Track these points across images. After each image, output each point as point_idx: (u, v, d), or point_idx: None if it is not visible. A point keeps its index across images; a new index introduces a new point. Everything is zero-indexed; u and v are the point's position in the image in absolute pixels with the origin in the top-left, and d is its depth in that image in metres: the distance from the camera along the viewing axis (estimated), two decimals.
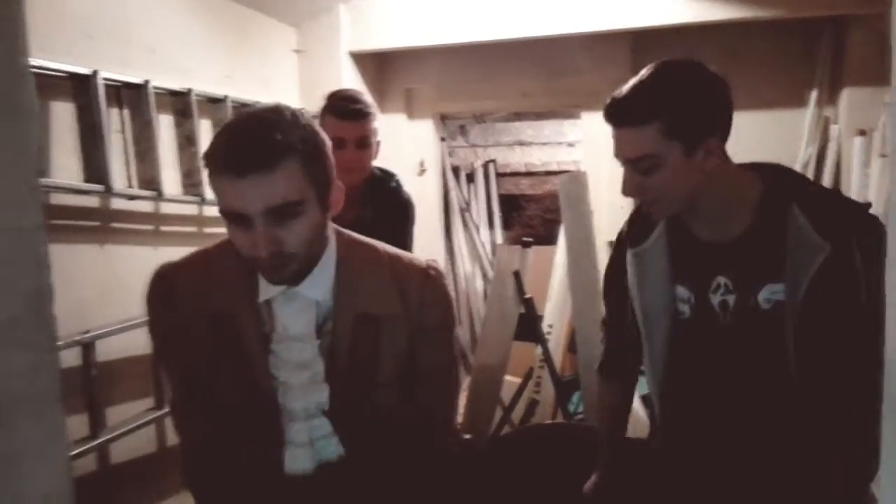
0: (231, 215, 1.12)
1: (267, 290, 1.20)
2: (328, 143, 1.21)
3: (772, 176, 1.33)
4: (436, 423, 1.36)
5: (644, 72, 1.28)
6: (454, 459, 1.40)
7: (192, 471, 1.34)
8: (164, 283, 1.26)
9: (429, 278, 1.30)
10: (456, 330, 1.44)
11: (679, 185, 1.26)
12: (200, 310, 1.23)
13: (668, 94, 1.24)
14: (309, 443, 1.24)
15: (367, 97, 2.20)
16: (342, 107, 2.09)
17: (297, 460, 1.24)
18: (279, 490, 1.25)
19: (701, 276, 1.34)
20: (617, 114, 1.27)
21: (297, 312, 1.22)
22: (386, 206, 2.23)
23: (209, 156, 1.12)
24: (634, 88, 1.26)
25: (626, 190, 1.31)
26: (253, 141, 1.09)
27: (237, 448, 1.26)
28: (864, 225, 1.23)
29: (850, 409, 1.23)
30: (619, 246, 1.51)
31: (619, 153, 1.30)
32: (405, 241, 2.34)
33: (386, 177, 2.29)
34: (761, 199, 1.29)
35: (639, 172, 1.27)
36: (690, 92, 1.25)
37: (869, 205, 1.45)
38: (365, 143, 2.11)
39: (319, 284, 1.22)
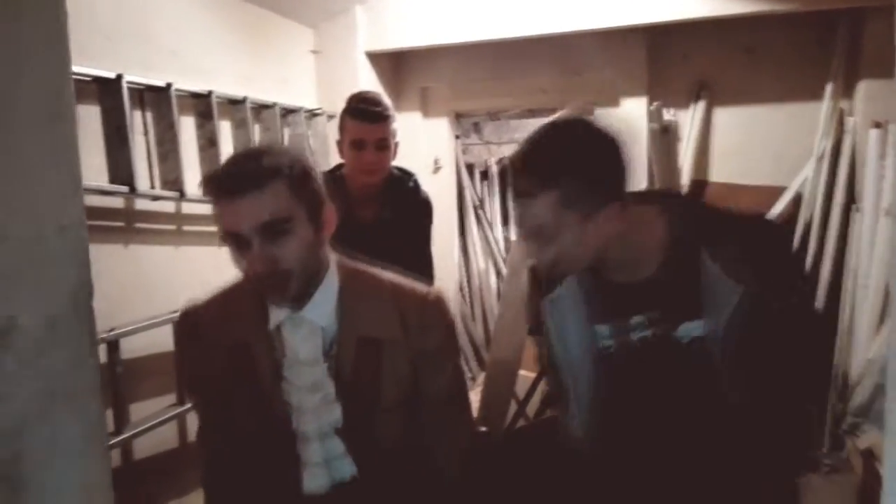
0: (230, 238, 1.21)
1: (276, 317, 1.29)
2: (318, 170, 1.29)
3: (674, 214, 1.29)
4: (445, 452, 1.41)
5: (536, 136, 1.23)
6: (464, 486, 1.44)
7: (213, 494, 1.45)
8: (189, 319, 1.39)
9: (429, 303, 1.36)
10: (461, 358, 1.48)
11: (578, 250, 1.23)
12: (219, 341, 1.33)
13: (563, 163, 1.19)
14: (325, 462, 1.32)
15: (386, 99, 2.24)
16: (362, 109, 2.13)
17: (315, 479, 1.32)
18: None
19: (619, 316, 1.33)
20: (515, 186, 1.24)
21: (305, 337, 1.29)
22: (405, 206, 2.26)
23: (207, 185, 1.22)
24: (527, 158, 1.22)
25: (528, 255, 1.31)
26: (243, 166, 1.21)
27: (256, 471, 1.35)
28: (771, 256, 1.24)
29: (780, 433, 1.27)
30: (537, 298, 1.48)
31: (516, 223, 1.30)
32: (425, 240, 2.37)
33: (405, 176, 2.33)
34: (668, 242, 1.27)
35: (535, 242, 1.25)
36: (586, 160, 1.19)
37: (762, 218, 1.41)
38: (384, 145, 2.15)
39: (323, 309, 1.29)
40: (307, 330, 1.29)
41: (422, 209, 2.32)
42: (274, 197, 1.18)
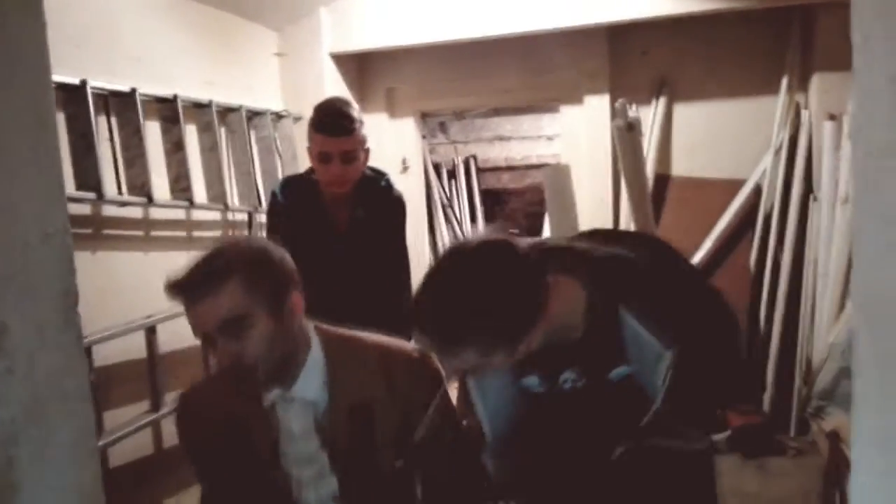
0: (200, 337, 1.29)
1: (268, 396, 1.35)
2: (277, 259, 1.33)
3: (592, 280, 1.29)
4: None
5: (440, 294, 1.18)
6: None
7: None
8: (186, 400, 1.49)
9: (414, 361, 1.41)
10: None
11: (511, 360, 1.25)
12: (218, 419, 1.38)
13: (472, 328, 1.15)
14: None
15: (354, 109, 2.21)
16: (326, 123, 2.13)
17: None
18: None
19: (547, 371, 1.34)
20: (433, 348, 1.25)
21: (297, 413, 1.36)
22: (378, 205, 2.28)
23: (170, 291, 1.28)
24: (439, 328, 1.18)
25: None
26: (198, 271, 1.27)
27: None
28: (678, 298, 1.27)
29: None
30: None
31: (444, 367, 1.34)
32: (399, 238, 2.38)
33: (377, 176, 2.33)
34: (588, 307, 1.27)
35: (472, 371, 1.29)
36: (494, 318, 1.16)
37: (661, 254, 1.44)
38: (351, 157, 2.14)
39: (311, 384, 1.35)
40: (299, 406, 1.35)
41: (395, 207, 2.33)
42: (229, 297, 1.23)
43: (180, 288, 1.26)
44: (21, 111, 0.78)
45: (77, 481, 0.83)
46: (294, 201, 2.26)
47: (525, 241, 1.27)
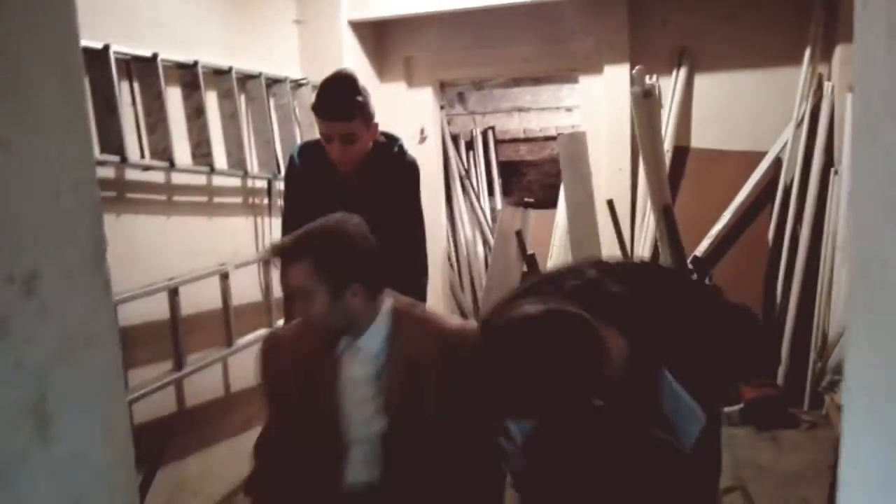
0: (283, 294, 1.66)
1: (341, 344, 1.64)
2: (355, 252, 1.58)
3: (626, 327, 1.37)
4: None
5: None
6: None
7: (260, 489, 1.75)
8: (270, 340, 1.79)
9: (466, 335, 1.62)
10: None
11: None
12: (294, 357, 1.67)
13: None
14: (365, 462, 1.64)
15: (354, 89, 2.17)
16: (325, 108, 2.14)
17: (356, 474, 1.64)
18: (338, 499, 1.66)
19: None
20: None
21: (360, 361, 1.64)
22: (391, 171, 2.29)
23: (269, 250, 1.65)
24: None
25: None
26: (290, 241, 1.62)
27: (304, 471, 1.65)
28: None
29: None
30: None
31: None
32: (414, 203, 2.40)
33: (390, 142, 2.35)
34: (630, 356, 1.35)
35: None
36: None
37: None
38: (351, 139, 2.16)
39: (375, 339, 1.64)
40: (363, 355, 1.64)
41: (408, 173, 2.34)
42: (302, 273, 1.55)
43: (274, 251, 1.60)
44: (51, 66, 0.81)
45: (105, 415, 0.88)
46: (310, 166, 2.29)
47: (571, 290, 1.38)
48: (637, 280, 1.47)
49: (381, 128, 2.33)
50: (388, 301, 1.67)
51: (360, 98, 2.16)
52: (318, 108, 2.17)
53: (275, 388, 1.72)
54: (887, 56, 0.59)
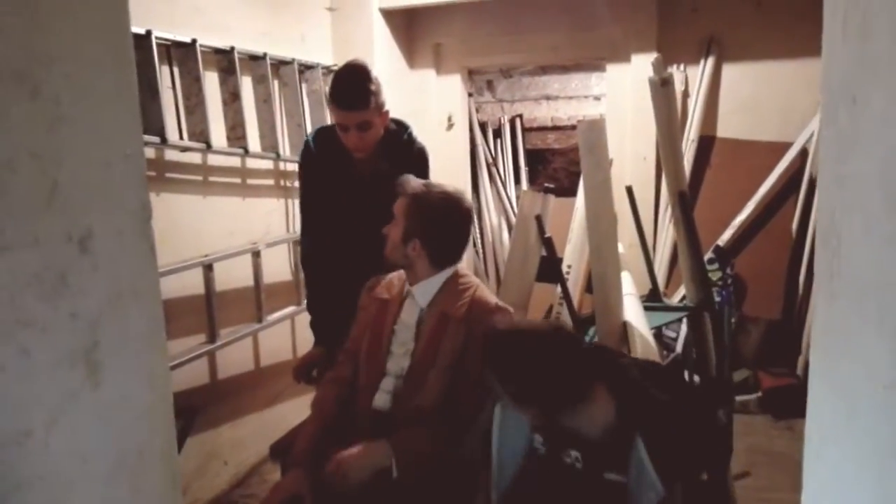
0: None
1: (405, 290, 1.99)
2: (444, 209, 1.93)
3: (621, 397, 1.57)
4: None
5: None
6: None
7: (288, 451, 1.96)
8: (371, 283, 2.10)
9: (492, 307, 1.92)
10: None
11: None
12: (379, 298, 2.03)
13: None
14: (390, 391, 1.90)
15: (367, 79, 2.22)
16: (339, 97, 2.20)
17: (381, 401, 1.90)
18: (362, 419, 1.93)
19: (557, 441, 1.63)
20: None
21: (410, 307, 1.96)
22: (401, 158, 2.34)
23: None
24: None
25: None
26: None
27: (352, 389, 2.00)
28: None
29: None
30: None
31: None
32: None
33: (400, 129, 2.40)
34: (614, 422, 1.55)
35: None
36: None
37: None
38: (365, 127, 2.22)
39: (424, 294, 1.96)
40: (413, 304, 1.96)
41: (417, 160, 2.38)
42: (402, 203, 1.94)
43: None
44: (106, 52, 0.91)
45: (149, 364, 0.98)
46: (323, 151, 2.35)
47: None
48: (640, 365, 1.71)
49: (412, 114, 2.39)
50: (451, 269, 1.97)
51: (373, 86, 2.21)
52: (334, 98, 2.22)
53: (361, 315, 2.06)
54: (843, 43, 0.66)
